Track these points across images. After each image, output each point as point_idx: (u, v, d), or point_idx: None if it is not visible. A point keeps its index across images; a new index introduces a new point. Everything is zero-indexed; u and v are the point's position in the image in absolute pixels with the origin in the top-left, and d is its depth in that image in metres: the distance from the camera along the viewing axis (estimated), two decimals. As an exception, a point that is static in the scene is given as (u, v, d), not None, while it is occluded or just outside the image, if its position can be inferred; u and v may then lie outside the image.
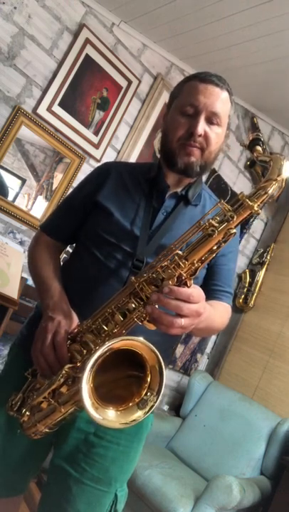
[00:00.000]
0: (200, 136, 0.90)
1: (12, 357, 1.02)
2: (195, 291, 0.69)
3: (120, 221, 0.92)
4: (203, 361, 3.13)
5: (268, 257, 3.10)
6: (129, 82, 2.36)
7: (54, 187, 2.24)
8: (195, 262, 0.72)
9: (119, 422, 0.67)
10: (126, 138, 2.44)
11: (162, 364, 0.68)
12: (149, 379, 0.69)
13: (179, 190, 0.98)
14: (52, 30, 2.08)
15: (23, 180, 2.16)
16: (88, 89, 2.23)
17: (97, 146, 2.31)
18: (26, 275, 1.88)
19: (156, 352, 0.67)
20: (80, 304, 0.88)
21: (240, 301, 3.06)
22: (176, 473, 2.04)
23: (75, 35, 2.14)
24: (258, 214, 0.73)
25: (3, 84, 1.98)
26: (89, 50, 2.18)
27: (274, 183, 0.74)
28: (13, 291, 1.59)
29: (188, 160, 0.92)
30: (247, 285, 3.09)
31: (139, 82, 2.40)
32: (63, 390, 0.75)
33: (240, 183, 3.05)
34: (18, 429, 0.89)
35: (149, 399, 0.69)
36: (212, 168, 2.82)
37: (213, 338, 3.17)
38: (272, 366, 2.74)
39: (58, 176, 2.24)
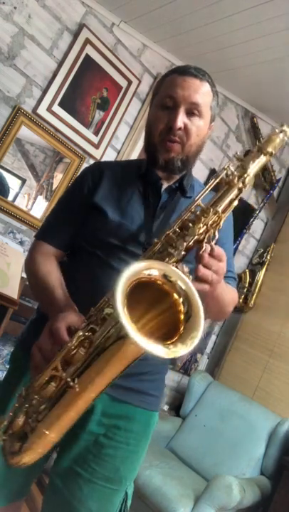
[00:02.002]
0: (179, 129, 0.89)
1: (16, 362, 1.00)
2: (223, 251, 0.73)
3: (121, 222, 0.91)
4: (203, 361, 3.13)
5: (268, 257, 3.10)
6: (129, 82, 2.36)
7: (54, 187, 2.24)
8: (219, 211, 0.73)
9: (183, 347, 0.58)
10: (126, 138, 2.44)
11: (189, 284, 0.63)
12: (181, 303, 0.62)
13: (171, 183, 0.98)
14: (52, 30, 2.08)
15: (23, 180, 2.16)
16: (88, 89, 2.23)
17: (97, 146, 2.31)
18: (26, 275, 1.87)
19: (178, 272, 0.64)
20: (83, 304, 0.82)
21: (240, 301, 3.05)
22: (176, 473, 2.04)
23: (75, 35, 2.14)
24: (272, 155, 0.78)
25: (3, 84, 1.98)
26: (89, 50, 2.18)
27: (280, 133, 0.79)
28: (13, 291, 1.59)
29: (167, 156, 0.92)
30: (247, 285, 3.09)
31: (139, 82, 2.40)
32: (77, 358, 0.62)
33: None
34: None
35: (188, 303, 0.62)
36: (212, 167, 2.83)
37: (213, 338, 3.17)
38: (272, 366, 2.74)
39: (58, 176, 2.24)
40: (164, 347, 0.57)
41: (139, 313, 0.63)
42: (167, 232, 0.73)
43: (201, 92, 0.90)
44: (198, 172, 2.68)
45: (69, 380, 0.60)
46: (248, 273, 3.14)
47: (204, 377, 2.75)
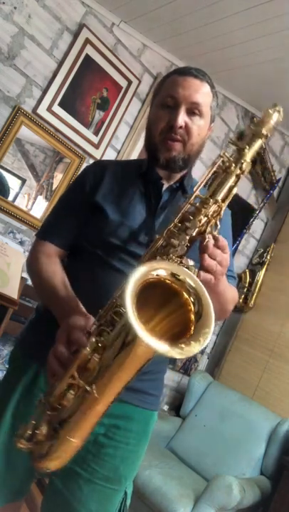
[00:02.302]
0: (180, 128, 0.89)
1: (15, 362, 0.99)
2: (226, 242, 0.72)
3: (122, 222, 0.91)
4: (203, 361, 3.13)
5: (268, 257, 3.10)
6: (129, 82, 2.36)
7: (54, 187, 2.24)
8: (219, 200, 0.73)
9: (196, 345, 0.58)
10: (126, 138, 2.44)
11: (189, 276, 0.63)
12: (191, 302, 0.62)
13: (172, 183, 0.98)
14: (52, 30, 2.08)
15: (23, 180, 2.16)
16: (88, 89, 2.23)
17: (97, 146, 2.31)
18: (26, 275, 1.87)
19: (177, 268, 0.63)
20: (89, 307, 0.81)
21: (240, 301, 3.05)
22: (176, 473, 2.04)
23: (75, 35, 2.14)
24: (267, 137, 0.77)
25: (3, 84, 1.98)
26: (89, 50, 2.18)
27: (270, 112, 0.76)
28: (13, 291, 1.59)
29: (169, 155, 0.92)
30: (247, 285, 3.09)
31: (139, 82, 2.40)
32: (92, 365, 0.61)
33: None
34: None
35: (197, 301, 0.62)
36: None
37: (213, 338, 3.17)
38: (272, 366, 2.74)
39: (58, 176, 2.24)
40: (177, 347, 0.57)
41: (149, 314, 0.62)
42: (169, 227, 0.73)
43: (202, 92, 0.90)
44: (199, 172, 2.68)
45: (87, 387, 0.60)
46: (248, 273, 3.14)
47: (204, 377, 2.75)
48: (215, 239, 0.70)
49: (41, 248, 0.98)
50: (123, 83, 2.34)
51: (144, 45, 2.41)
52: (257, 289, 3.04)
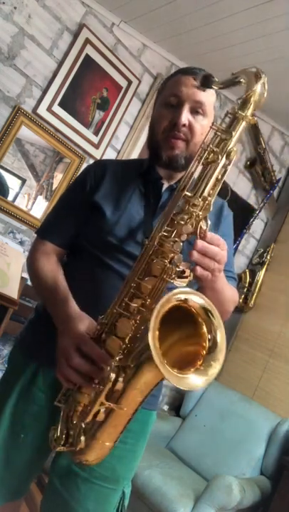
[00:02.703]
0: (184, 126, 0.89)
1: (15, 361, 1.00)
2: (222, 239, 0.71)
3: (120, 222, 0.90)
4: (203, 361, 3.13)
5: (268, 257, 3.10)
6: (129, 82, 2.36)
7: (54, 187, 2.24)
8: (207, 195, 0.71)
9: (204, 380, 0.62)
10: (126, 138, 2.44)
11: (205, 302, 0.64)
12: (203, 324, 0.64)
13: (173, 183, 0.97)
14: (52, 30, 2.08)
15: (23, 180, 2.16)
16: (88, 89, 2.23)
17: (97, 146, 2.31)
18: (26, 275, 1.87)
19: (206, 300, 0.64)
20: (85, 307, 0.84)
21: (240, 301, 3.05)
22: (176, 473, 2.04)
23: (75, 35, 2.14)
24: (254, 122, 0.73)
25: (3, 84, 1.98)
26: (89, 50, 2.18)
27: (255, 87, 0.71)
28: (13, 291, 1.59)
29: (171, 153, 0.91)
30: (247, 285, 3.09)
31: (139, 82, 2.40)
32: (118, 387, 0.65)
33: (240, 183, 3.05)
34: (22, 434, 0.88)
35: (214, 337, 0.64)
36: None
37: (213, 338, 3.17)
38: (272, 366, 2.74)
39: (58, 176, 2.24)
40: (185, 379, 0.61)
41: (166, 336, 0.63)
42: (159, 234, 0.71)
43: (205, 92, 0.90)
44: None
45: (114, 406, 0.66)
46: (248, 273, 3.14)
47: (204, 377, 2.75)
48: (204, 235, 0.69)
49: (40, 247, 0.99)
50: (123, 83, 2.34)
51: (144, 45, 2.41)
52: (257, 289, 3.04)
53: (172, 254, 0.68)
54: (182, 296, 0.62)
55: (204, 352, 0.63)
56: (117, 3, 2.14)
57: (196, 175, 0.75)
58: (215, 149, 0.71)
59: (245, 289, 3.08)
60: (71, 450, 0.71)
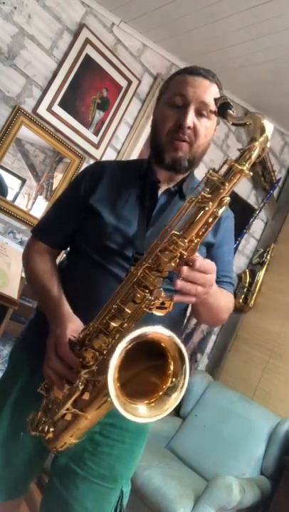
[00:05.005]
0: (189, 128, 0.88)
1: (15, 361, 1.00)
2: (211, 264, 0.71)
3: (117, 226, 0.90)
4: (203, 361, 3.13)
5: (268, 257, 3.10)
6: (129, 82, 2.36)
7: (54, 187, 2.24)
8: (194, 238, 0.70)
9: (154, 415, 0.66)
10: (126, 138, 2.44)
11: (182, 347, 0.66)
12: (172, 366, 0.67)
13: (171, 186, 0.96)
14: (52, 30, 2.08)
15: (23, 180, 2.16)
16: (88, 89, 2.23)
17: (97, 146, 2.31)
18: (26, 275, 1.87)
19: (174, 336, 0.66)
20: (83, 309, 0.85)
21: (240, 301, 3.05)
22: (176, 473, 2.04)
23: (75, 35, 2.14)
24: (250, 176, 0.71)
25: (3, 84, 1.98)
26: (89, 50, 2.18)
27: (258, 143, 0.70)
28: (13, 291, 1.59)
29: (175, 155, 0.91)
30: (247, 285, 3.09)
31: (139, 82, 2.40)
32: (85, 396, 0.72)
33: (240, 183, 3.04)
34: (22, 433, 0.88)
35: (177, 383, 0.67)
36: (212, 168, 2.82)
37: (213, 338, 3.17)
38: (272, 366, 2.74)
39: (58, 176, 2.24)
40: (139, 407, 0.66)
41: (135, 360, 0.67)
42: (144, 265, 0.72)
43: (211, 93, 0.90)
44: (198, 172, 2.67)
45: (80, 412, 0.73)
46: (248, 273, 3.14)
47: (204, 377, 2.75)
48: (193, 264, 0.68)
49: (35, 246, 1.01)
50: (123, 83, 2.34)
51: (144, 45, 2.41)
52: (257, 289, 3.04)
53: (152, 287, 0.70)
54: (165, 335, 0.66)
55: (161, 392, 0.67)
56: (117, 3, 2.14)
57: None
58: (208, 196, 0.70)
59: (245, 289, 3.08)
60: (41, 436, 0.78)
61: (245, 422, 2.37)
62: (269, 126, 0.70)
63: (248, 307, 3.04)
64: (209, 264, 0.71)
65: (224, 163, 0.72)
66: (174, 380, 0.67)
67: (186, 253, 0.70)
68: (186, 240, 0.70)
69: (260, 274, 3.08)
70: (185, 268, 0.68)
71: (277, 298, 2.94)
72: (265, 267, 3.10)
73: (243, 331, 3.04)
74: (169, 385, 0.67)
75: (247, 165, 0.70)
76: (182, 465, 2.29)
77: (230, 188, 0.71)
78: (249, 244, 3.24)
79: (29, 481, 1.02)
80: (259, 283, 3.06)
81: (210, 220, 0.71)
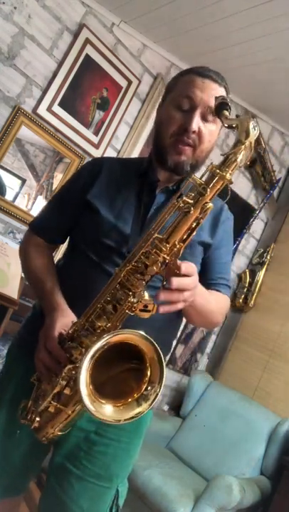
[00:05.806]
0: (194, 132, 0.87)
1: (11, 359, 1.02)
2: (192, 266, 0.70)
3: (114, 223, 0.90)
4: (203, 361, 3.13)
5: (268, 257, 3.10)
6: (129, 82, 2.36)
7: (54, 187, 2.24)
8: (176, 243, 0.70)
9: (120, 418, 0.67)
10: (126, 138, 2.44)
11: (161, 356, 0.67)
12: (149, 372, 0.68)
13: (170, 185, 0.96)
14: (52, 30, 2.08)
15: (23, 180, 2.16)
16: (88, 89, 2.23)
17: (97, 146, 2.31)
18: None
19: (154, 343, 0.66)
20: (80, 307, 0.85)
21: (240, 301, 3.06)
22: (176, 473, 2.04)
23: (75, 35, 2.14)
24: (231, 183, 0.70)
25: (3, 84, 1.98)
26: (89, 50, 2.18)
27: (242, 147, 0.68)
28: (13, 291, 1.59)
29: (178, 159, 0.90)
30: (247, 285, 3.09)
31: (139, 82, 2.40)
32: (66, 391, 0.75)
33: (240, 183, 3.05)
34: (18, 430, 0.89)
35: (150, 393, 0.67)
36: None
37: (213, 338, 3.17)
38: (272, 366, 2.74)
39: (58, 176, 2.24)
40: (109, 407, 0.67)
41: (104, 372, 0.69)
42: (127, 267, 0.72)
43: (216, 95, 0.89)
44: (198, 172, 2.68)
45: (62, 408, 0.77)
46: (248, 273, 3.14)
47: (204, 377, 2.75)
48: (178, 269, 0.68)
49: (32, 240, 1.03)
50: (123, 83, 2.34)
51: (144, 45, 2.41)
52: (257, 289, 3.04)
53: (135, 290, 0.71)
54: (144, 341, 0.66)
55: (131, 399, 0.68)
56: (117, 3, 2.14)
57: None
58: (190, 201, 0.69)
59: (245, 289, 3.08)
60: (28, 425, 0.80)
61: (245, 422, 2.37)
62: (255, 130, 0.69)
63: (248, 307, 3.04)
64: (191, 267, 0.70)
65: (207, 169, 0.71)
66: (148, 388, 0.68)
67: (168, 258, 0.69)
68: (168, 245, 0.69)
69: (260, 274, 3.08)
70: (174, 279, 0.67)
71: (277, 298, 2.94)
72: (265, 267, 3.10)
73: (243, 330, 3.04)
74: (142, 392, 0.68)
75: (230, 171, 0.69)
76: (182, 465, 2.29)
77: (213, 194, 0.70)
78: (249, 244, 3.24)
79: (27, 479, 1.02)
80: (259, 283, 3.06)
81: (193, 225, 0.70)
